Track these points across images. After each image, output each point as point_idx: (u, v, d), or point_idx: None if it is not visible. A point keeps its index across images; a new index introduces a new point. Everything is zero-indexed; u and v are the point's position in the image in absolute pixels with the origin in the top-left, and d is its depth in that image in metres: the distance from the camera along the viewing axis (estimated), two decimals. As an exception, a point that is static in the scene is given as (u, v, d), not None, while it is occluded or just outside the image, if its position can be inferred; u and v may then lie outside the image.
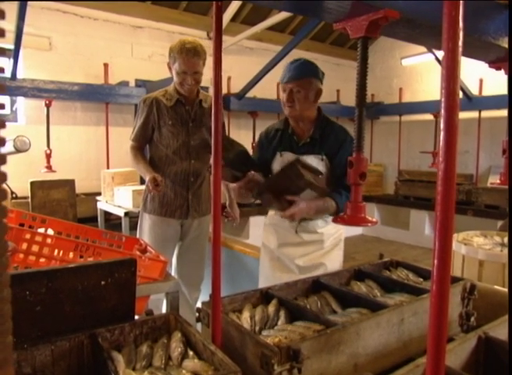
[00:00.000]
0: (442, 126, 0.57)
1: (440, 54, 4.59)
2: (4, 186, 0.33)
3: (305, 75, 1.95)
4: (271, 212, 2.24)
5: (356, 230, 5.50)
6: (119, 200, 3.31)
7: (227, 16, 4.82)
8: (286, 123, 2.12)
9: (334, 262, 2.13)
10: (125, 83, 4.15)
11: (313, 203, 1.92)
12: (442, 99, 0.57)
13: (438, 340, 0.61)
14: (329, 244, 2.13)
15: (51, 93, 3.67)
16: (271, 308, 1.33)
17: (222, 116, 1.09)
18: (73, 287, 1.09)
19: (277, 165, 2.09)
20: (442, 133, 0.56)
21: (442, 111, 0.56)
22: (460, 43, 0.55)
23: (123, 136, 4.40)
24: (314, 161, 2.00)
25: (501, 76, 1.84)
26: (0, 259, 0.29)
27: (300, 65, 1.96)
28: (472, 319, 1.44)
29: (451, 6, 0.55)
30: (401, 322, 1.27)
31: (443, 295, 0.59)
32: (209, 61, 2.48)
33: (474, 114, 5.08)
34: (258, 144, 2.23)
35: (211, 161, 1.09)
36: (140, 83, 4.22)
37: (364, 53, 1.29)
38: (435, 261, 0.59)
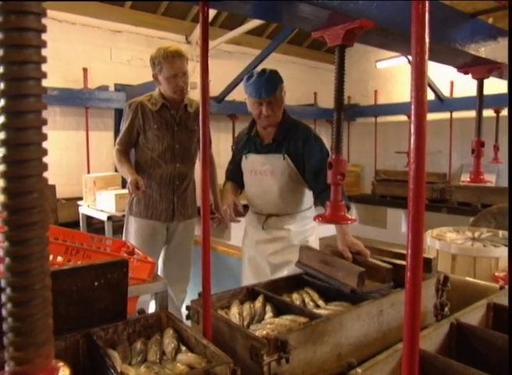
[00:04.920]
0: (412, 130, 0.64)
1: (413, 57, 4.76)
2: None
3: (277, 85, 2.03)
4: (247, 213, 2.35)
5: (335, 230, 5.61)
6: (101, 204, 3.32)
7: (205, 21, 4.87)
8: (251, 126, 2.22)
9: None
10: (104, 88, 4.15)
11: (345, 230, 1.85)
12: (412, 106, 0.64)
13: (412, 323, 0.68)
14: (298, 243, 2.15)
15: (29, 98, 3.64)
16: (257, 304, 1.39)
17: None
18: (68, 289, 1.13)
19: (244, 167, 2.25)
20: (412, 137, 0.64)
21: (412, 117, 0.64)
22: (427, 50, 0.62)
23: (103, 140, 4.40)
24: (274, 159, 2.12)
25: (470, 78, 1.96)
26: (42, 252, 0.34)
27: (269, 77, 2.02)
28: (446, 309, 1.53)
29: (418, 23, 0.63)
30: (380, 313, 1.34)
31: (416, 279, 0.66)
32: (189, 65, 2.55)
33: (445, 115, 5.28)
34: (232, 149, 2.39)
35: (200, 164, 1.14)
36: (119, 88, 4.22)
37: (341, 60, 1.37)
38: (409, 250, 0.66)
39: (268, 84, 2.01)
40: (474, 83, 1.97)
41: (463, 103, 4.87)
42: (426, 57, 0.62)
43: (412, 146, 0.64)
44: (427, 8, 0.62)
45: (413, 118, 0.64)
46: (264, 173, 2.17)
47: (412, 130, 0.64)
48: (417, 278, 0.67)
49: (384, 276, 1.45)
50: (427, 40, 0.62)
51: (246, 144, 2.23)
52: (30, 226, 0.34)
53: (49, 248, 1.19)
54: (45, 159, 0.35)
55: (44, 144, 0.36)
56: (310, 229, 2.25)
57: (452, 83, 5.36)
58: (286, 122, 2.15)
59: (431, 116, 5.30)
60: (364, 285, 1.38)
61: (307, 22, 1.31)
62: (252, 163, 2.20)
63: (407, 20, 1.43)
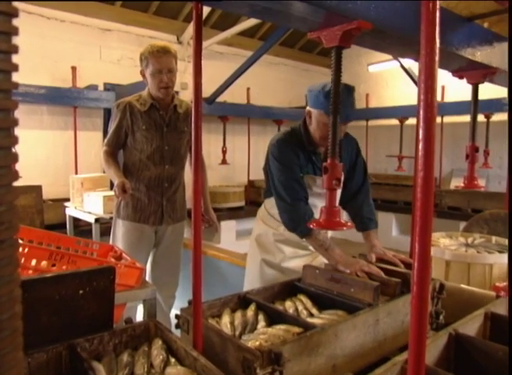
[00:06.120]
0: (420, 135, 0.60)
1: (405, 61, 4.76)
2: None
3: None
4: (274, 230, 2.10)
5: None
6: (89, 206, 3.24)
7: (197, 21, 4.82)
8: (309, 142, 1.89)
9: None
10: (93, 87, 4.08)
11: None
12: (420, 110, 0.60)
13: (419, 340, 0.64)
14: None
15: (16, 96, 3.53)
16: (249, 313, 1.35)
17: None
18: (50, 297, 1.07)
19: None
20: (420, 143, 0.60)
21: (421, 121, 0.60)
22: (437, 58, 0.59)
23: (92, 140, 4.32)
24: None
25: (462, 83, 1.94)
26: (11, 276, 0.29)
27: (352, 101, 1.75)
28: (441, 317, 1.50)
29: (427, 22, 0.59)
30: (376, 322, 1.31)
31: (423, 296, 0.62)
32: (180, 66, 2.50)
33: (436, 119, 5.29)
34: (289, 161, 1.87)
35: (192, 167, 1.10)
36: (109, 87, 4.15)
37: (338, 62, 1.34)
38: (416, 263, 0.62)
39: (354, 106, 1.77)
40: (466, 88, 1.95)
41: (454, 108, 4.88)
42: (436, 58, 0.58)
43: (420, 152, 0.60)
44: (438, 7, 0.58)
45: (421, 123, 0.60)
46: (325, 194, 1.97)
47: (421, 136, 0.60)
48: (424, 292, 0.63)
49: (394, 290, 1.43)
50: (437, 40, 0.58)
51: (304, 163, 1.90)
52: (-3, 246, 0.29)
53: (32, 254, 1.12)
54: (16, 166, 0.30)
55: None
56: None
57: (443, 87, 5.38)
58: None
59: (422, 120, 5.41)
60: (379, 299, 1.35)
61: (304, 22, 1.27)
62: (308, 185, 1.93)
63: (405, 22, 1.40)
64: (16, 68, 0.30)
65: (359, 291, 1.39)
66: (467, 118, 1.96)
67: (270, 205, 2.07)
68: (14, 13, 0.29)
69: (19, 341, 0.29)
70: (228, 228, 5.06)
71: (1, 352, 0.27)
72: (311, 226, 1.40)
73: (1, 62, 0.28)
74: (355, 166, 2.03)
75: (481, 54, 1.71)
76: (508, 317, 1.27)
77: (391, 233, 5.53)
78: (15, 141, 0.31)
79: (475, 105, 1.96)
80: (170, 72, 2.30)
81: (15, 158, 0.31)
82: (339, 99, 1.36)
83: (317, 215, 1.84)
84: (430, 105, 0.59)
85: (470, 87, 1.92)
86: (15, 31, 0.29)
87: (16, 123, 0.31)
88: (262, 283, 2.09)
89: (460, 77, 1.92)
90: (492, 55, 1.78)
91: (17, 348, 0.29)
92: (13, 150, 0.31)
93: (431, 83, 0.59)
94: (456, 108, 4.78)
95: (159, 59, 2.25)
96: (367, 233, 1.97)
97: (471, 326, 1.24)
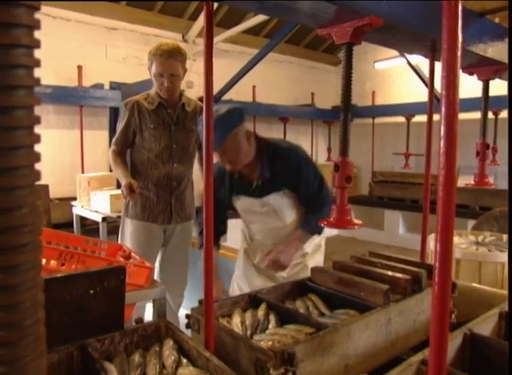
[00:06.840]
0: (442, 132, 0.59)
1: (412, 58, 4.72)
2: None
3: (226, 136, 1.69)
4: None
5: (332, 231, 5.58)
6: (95, 205, 3.24)
7: (202, 19, 4.81)
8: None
9: (315, 264, 2.12)
10: (99, 86, 4.08)
11: (292, 245, 1.93)
12: (442, 107, 0.59)
13: (440, 342, 0.63)
14: (310, 250, 2.11)
15: (22, 95, 3.56)
16: (260, 313, 1.34)
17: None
18: (61, 298, 1.06)
19: (239, 205, 2.05)
20: (442, 140, 0.58)
21: (443, 119, 0.58)
22: (459, 53, 0.57)
23: (98, 139, 4.33)
24: (276, 198, 1.92)
25: (469, 80, 1.91)
26: (34, 280, 0.27)
27: (217, 125, 1.58)
28: (452, 316, 1.48)
29: (450, 17, 0.57)
30: (388, 322, 1.29)
31: (445, 297, 0.61)
32: (188, 64, 2.48)
33: (443, 116, 5.24)
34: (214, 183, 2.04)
35: (204, 166, 1.08)
36: (114, 86, 4.15)
37: (349, 59, 1.32)
38: (437, 264, 0.61)
39: (217, 136, 1.59)
40: (472, 84, 1.92)
41: (462, 105, 4.81)
42: (459, 53, 0.56)
43: (442, 150, 0.59)
44: (460, 1, 0.56)
45: (443, 120, 0.59)
46: (267, 213, 1.97)
47: (442, 133, 0.59)
48: (446, 295, 0.62)
49: (404, 288, 1.40)
50: (460, 33, 0.56)
51: (231, 185, 1.97)
52: (19, 249, 0.28)
53: (45, 253, 1.12)
54: (38, 166, 0.29)
55: (37, 148, 0.30)
56: (320, 236, 2.15)
57: (450, 84, 5.35)
58: (266, 154, 1.86)
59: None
60: (389, 302, 1.33)
61: (314, 18, 1.26)
62: (249, 204, 2.00)
63: (417, 18, 1.38)
64: (38, 63, 0.28)
65: (368, 294, 1.37)
66: (473, 115, 1.94)
67: None
68: (37, 7, 0.27)
69: (43, 348, 0.28)
70: (233, 226, 5.04)
71: (25, 360, 0.26)
72: (323, 225, 1.39)
73: (24, 56, 0.27)
74: (299, 181, 1.91)
75: (492, 50, 1.69)
76: (508, 316, 1.25)
77: (398, 231, 5.50)
78: (37, 139, 0.30)
79: (486, 102, 1.94)
80: (172, 76, 2.26)
81: (37, 157, 0.30)
82: (350, 97, 1.34)
83: (253, 231, 2.15)
84: (452, 101, 0.58)
85: (477, 83, 1.90)
86: (37, 25, 0.28)
87: (38, 120, 0.29)
88: (243, 274, 2.20)
89: (471, 74, 1.90)
90: (503, 50, 1.75)
91: (41, 356, 0.28)
92: (35, 149, 0.30)
93: (453, 79, 0.58)
94: (464, 105, 4.69)
95: (162, 63, 2.22)
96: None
97: (485, 325, 1.23)
